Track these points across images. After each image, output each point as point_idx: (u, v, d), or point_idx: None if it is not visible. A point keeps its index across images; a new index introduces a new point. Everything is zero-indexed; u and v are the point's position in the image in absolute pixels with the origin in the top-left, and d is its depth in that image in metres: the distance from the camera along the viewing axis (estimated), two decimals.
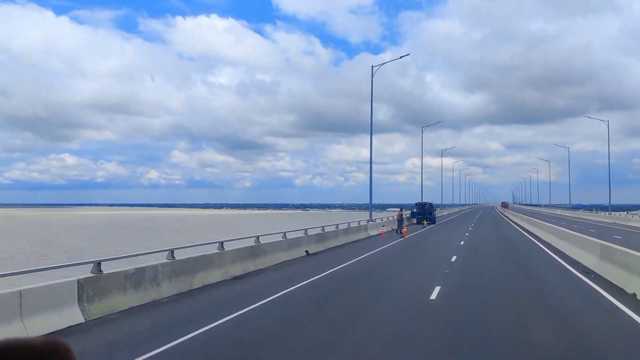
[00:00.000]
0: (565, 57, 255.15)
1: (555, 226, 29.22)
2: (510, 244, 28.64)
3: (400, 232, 32.99)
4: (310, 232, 22.97)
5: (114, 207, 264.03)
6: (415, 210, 50.27)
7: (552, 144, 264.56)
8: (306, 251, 21.31)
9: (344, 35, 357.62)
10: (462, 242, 27.74)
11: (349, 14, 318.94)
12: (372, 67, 39.63)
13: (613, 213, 64.76)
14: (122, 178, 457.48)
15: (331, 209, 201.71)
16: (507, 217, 69.36)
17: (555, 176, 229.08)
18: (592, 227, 40.93)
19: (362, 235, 31.44)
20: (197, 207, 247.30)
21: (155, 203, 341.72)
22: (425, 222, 46.46)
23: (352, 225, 30.28)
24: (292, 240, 20.50)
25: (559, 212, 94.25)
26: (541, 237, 29.43)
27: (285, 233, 20.38)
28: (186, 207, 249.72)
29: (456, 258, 20.04)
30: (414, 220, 47.75)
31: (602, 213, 69.98)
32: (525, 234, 35.32)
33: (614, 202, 73.92)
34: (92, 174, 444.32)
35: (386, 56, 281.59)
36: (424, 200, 54.33)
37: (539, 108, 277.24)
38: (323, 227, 25.31)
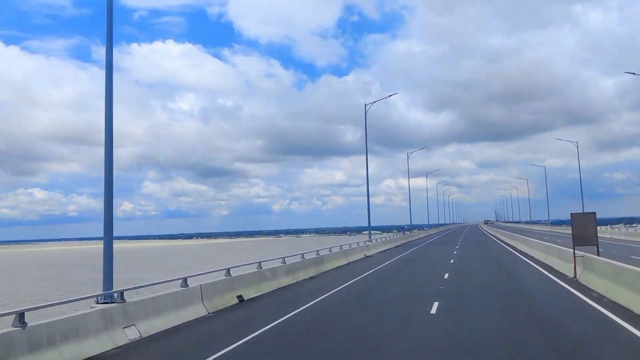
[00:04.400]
0: (527, 72, 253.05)
1: None
2: None
3: None
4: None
5: (83, 241, 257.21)
6: None
7: (526, 161, 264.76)
8: None
9: (307, 58, 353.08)
10: None
11: (312, 37, 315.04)
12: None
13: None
14: (95, 211, 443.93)
15: (303, 234, 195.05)
16: None
17: (528, 193, 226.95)
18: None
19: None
20: (167, 238, 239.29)
21: (131, 235, 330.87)
22: None
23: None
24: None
25: (548, 228, 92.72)
26: None
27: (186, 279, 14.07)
28: (160, 239, 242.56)
29: None
30: None
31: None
32: None
33: None
34: (63, 208, 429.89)
35: (350, 78, 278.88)
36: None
37: (506, 124, 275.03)
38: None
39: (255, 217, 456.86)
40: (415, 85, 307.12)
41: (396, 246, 50.74)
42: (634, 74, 46.03)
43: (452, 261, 29.44)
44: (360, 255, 36.52)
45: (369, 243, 41.44)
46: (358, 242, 38.69)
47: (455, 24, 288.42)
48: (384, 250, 44.15)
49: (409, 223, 72.66)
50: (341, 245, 33.04)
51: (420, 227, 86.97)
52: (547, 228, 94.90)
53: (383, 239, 50.62)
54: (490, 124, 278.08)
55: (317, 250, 27.53)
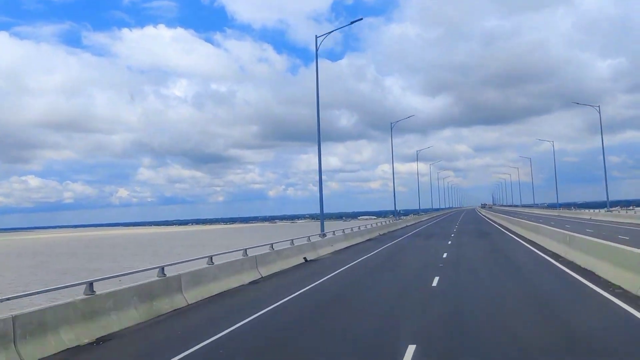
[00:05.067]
0: (522, 54, 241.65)
1: None
2: None
3: None
4: None
5: (78, 228, 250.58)
6: None
7: (523, 145, 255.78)
8: None
9: (301, 43, 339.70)
10: None
11: (305, 21, 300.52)
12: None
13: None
14: (91, 198, 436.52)
15: (299, 219, 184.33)
16: None
17: (524, 176, 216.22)
18: None
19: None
20: (163, 225, 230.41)
21: (128, 222, 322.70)
22: None
23: None
24: None
25: (557, 212, 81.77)
26: None
27: None
28: (156, 225, 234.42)
29: None
30: None
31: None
32: None
33: (582, 199, 62.22)
34: (59, 195, 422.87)
35: (344, 62, 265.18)
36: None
37: (502, 108, 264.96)
38: None
39: (251, 203, 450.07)
40: (411, 68, 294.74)
41: (369, 239, 37.95)
42: None
43: (435, 284, 15.12)
44: (298, 260, 23.96)
45: (317, 239, 28.68)
46: (291, 240, 25.56)
47: (450, 6, 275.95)
48: (346, 248, 31.38)
49: (394, 207, 60.21)
50: (244, 249, 20.02)
51: (416, 212, 74.62)
52: (556, 212, 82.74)
53: (353, 230, 37.81)
54: (486, 107, 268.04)
55: (162, 267, 14.55)
